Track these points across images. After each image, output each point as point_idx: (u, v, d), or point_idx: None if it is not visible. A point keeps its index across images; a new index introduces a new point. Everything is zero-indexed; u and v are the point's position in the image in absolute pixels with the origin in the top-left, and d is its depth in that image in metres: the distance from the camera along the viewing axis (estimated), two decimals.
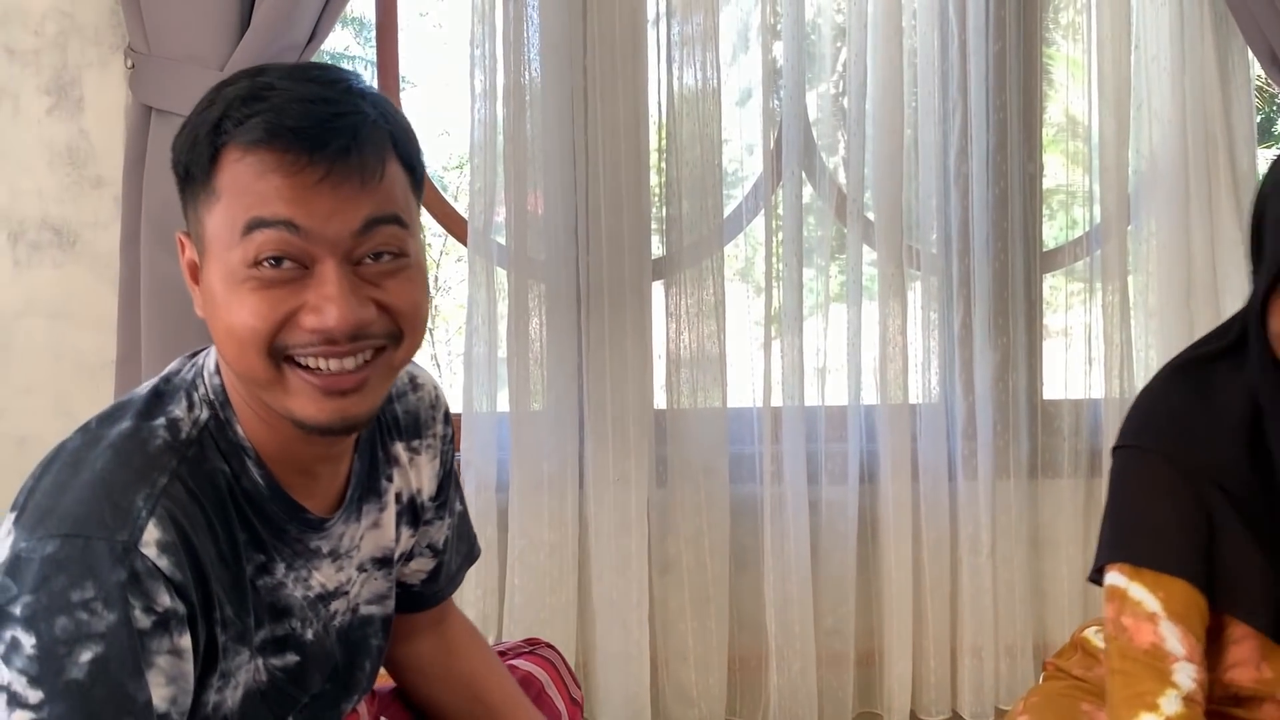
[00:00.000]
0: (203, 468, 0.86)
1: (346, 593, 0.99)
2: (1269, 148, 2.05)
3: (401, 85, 2.13)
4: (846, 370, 2.09)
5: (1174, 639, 1.11)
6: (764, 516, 2.04)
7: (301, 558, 0.93)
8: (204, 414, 0.88)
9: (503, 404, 2.03)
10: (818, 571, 2.05)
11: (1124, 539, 1.17)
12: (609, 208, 1.98)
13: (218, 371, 0.89)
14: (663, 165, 2.04)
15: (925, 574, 2.07)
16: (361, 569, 1.00)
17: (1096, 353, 2.10)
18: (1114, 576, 1.15)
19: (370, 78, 2.19)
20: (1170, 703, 1.08)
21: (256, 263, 0.79)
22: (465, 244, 2.02)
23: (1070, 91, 2.24)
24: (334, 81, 0.83)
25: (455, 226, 2.13)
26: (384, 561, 1.03)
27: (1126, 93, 2.07)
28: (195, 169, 0.82)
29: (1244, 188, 2.06)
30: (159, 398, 0.89)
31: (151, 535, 0.79)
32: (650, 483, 2.04)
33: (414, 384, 1.06)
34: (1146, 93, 2.09)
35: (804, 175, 2.05)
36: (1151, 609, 1.12)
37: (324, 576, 0.96)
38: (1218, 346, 1.21)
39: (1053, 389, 2.15)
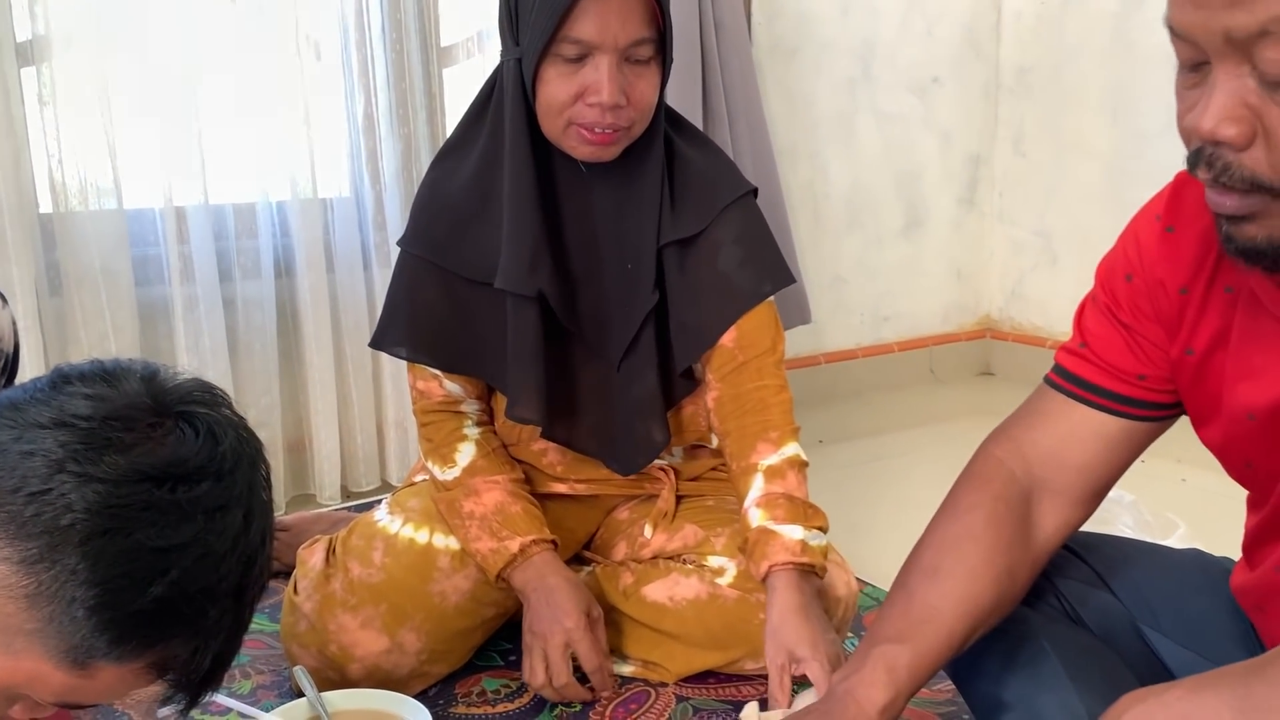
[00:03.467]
0: None
1: None
2: None
3: None
4: (253, 165, 2.06)
5: (456, 388, 1.44)
6: (175, 316, 1.99)
7: None
8: None
9: None
10: (238, 366, 2.06)
11: (389, 326, 1.42)
12: None
13: None
14: None
15: (347, 359, 2.17)
16: None
17: None
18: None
19: None
20: (470, 428, 1.45)
21: None
22: None
23: None
24: None
25: None
26: None
27: None
28: None
29: None
30: None
31: None
32: (41, 291, 1.88)
33: None
34: None
35: None
36: (435, 372, 1.42)
37: None
38: (471, 131, 1.40)
39: None
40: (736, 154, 2.36)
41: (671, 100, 2.28)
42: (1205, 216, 0.85)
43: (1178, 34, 0.70)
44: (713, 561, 1.40)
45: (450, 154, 1.41)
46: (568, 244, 1.38)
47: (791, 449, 1.39)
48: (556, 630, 1.33)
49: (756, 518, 1.34)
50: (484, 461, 1.43)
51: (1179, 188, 0.89)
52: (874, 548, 1.87)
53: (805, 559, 1.30)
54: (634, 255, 1.37)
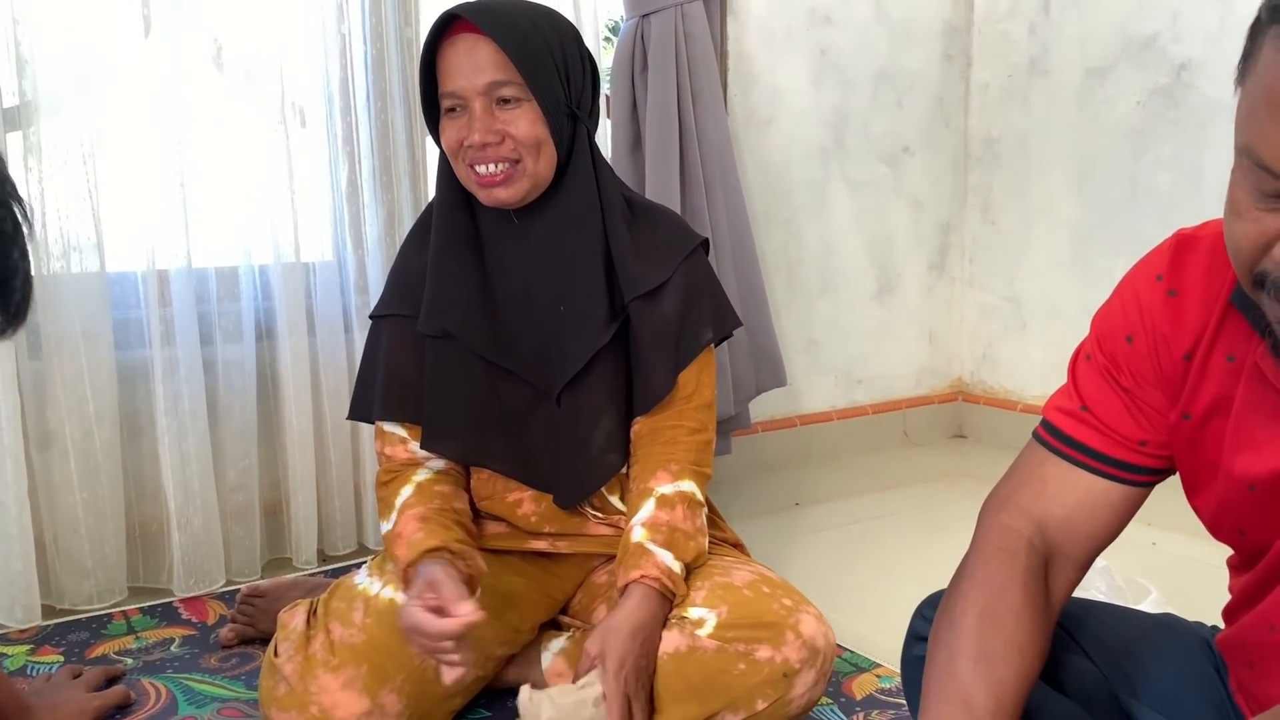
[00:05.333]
0: None
1: None
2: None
3: None
4: (237, 229, 2.07)
5: (420, 448, 1.49)
6: (155, 380, 1.99)
7: None
8: None
9: None
10: (217, 430, 2.05)
11: (361, 394, 1.53)
12: None
13: None
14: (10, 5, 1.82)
15: (326, 422, 2.17)
16: None
17: None
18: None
19: None
20: (420, 474, 1.48)
21: None
22: None
23: None
24: None
25: None
26: None
27: None
28: None
29: None
30: None
31: None
32: (20, 354, 1.88)
33: None
34: None
35: (176, 23, 1.96)
36: (403, 435, 1.50)
37: None
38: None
39: None
40: (713, 220, 2.40)
41: (651, 169, 2.34)
42: (1206, 282, 0.86)
43: (1275, 174, 0.68)
44: (692, 613, 1.40)
45: (421, 227, 1.54)
46: (500, 290, 1.47)
47: (688, 485, 1.48)
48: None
49: (638, 535, 1.43)
50: (414, 497, 1.45)
51: (1179, 249, 0.89)
52: (851, 613, 1.88)
53: (669, 584, 1.40)
54: (568, 297, 1.46)
